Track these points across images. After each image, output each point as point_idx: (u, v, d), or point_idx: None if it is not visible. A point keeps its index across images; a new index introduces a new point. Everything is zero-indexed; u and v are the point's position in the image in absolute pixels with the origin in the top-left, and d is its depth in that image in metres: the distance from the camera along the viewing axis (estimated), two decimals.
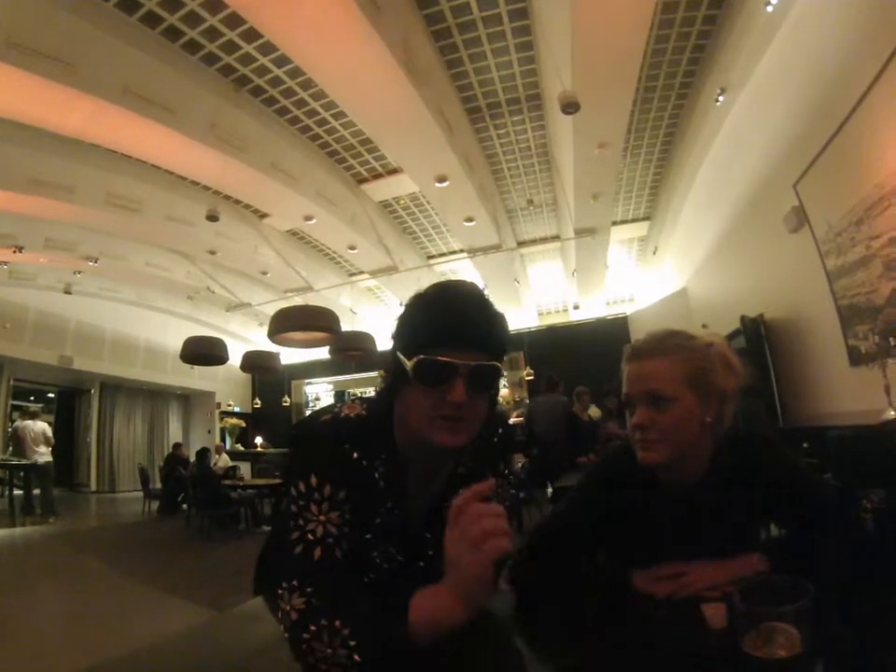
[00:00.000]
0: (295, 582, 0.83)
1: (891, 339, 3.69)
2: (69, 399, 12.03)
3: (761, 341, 5.65)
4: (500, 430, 1.07)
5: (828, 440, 3.76)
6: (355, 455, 0.92)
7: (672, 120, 6.02)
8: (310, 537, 0.86)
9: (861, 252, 3.98)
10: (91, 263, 7.81)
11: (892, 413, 3.26)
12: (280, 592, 0.83)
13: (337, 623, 0.76)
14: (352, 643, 0.73)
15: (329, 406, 1.01)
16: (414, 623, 0.72)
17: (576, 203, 6.89)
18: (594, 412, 6.98)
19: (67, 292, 8.96)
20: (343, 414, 0.96)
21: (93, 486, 11.42)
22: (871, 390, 3.47)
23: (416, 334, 0.89)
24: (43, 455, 7.70)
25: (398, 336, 0.93)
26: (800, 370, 5.26)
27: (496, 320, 0.92)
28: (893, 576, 0.86)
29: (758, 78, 4.66)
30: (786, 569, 0.80)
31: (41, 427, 7.77)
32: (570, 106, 4.55)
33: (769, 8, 3.81)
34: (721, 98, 4.91)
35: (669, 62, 5.12)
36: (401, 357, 0.89)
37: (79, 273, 8.33)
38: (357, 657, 0.72)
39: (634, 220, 8.38)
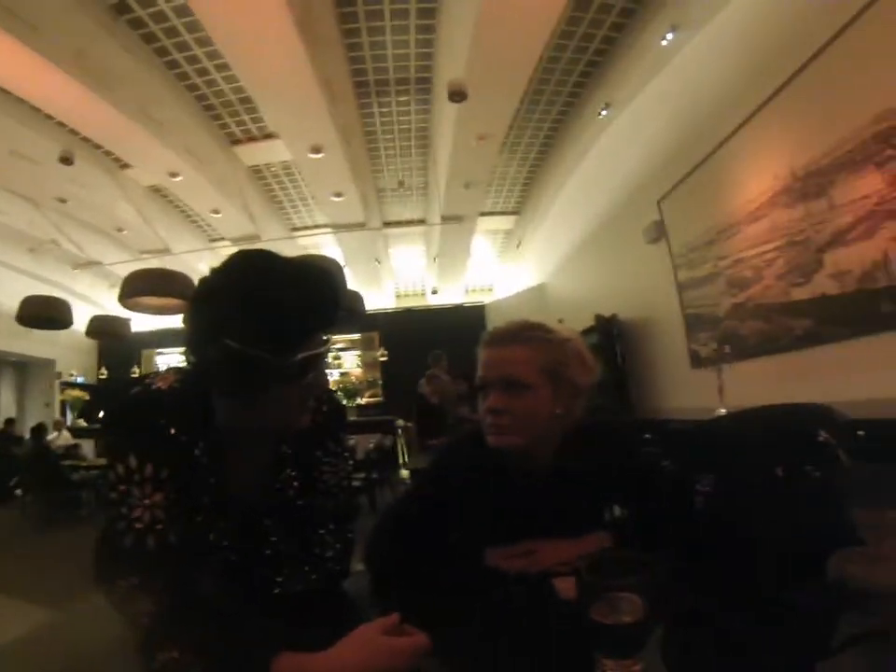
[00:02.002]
0: (135, 580, 0.75)
1: (726, 347, 4.25)
2: None
3: (613, 339, 6.18)
4: (325, 408, 1.02)
5: (667, 431, 4.26)
6: (172, 430, 0.83)
7: (555, 124, 6.28)
8: (138, 525, 0.78)
9: (709, 269, 4.51)
10: None
11: (723, 410, 3.77)
12: (123, 592, 0.75)
13: (188, 657, 0.68)
14: None
15: (140, 377, 0.92)
16: None
17: (447, 189, 6.94)
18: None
19: None
20: (154, 386, 0.87)
21: None
22: (707, 390, 3.94)
23: (267, 329, 0.78)
24: None
25: (224, 328, 0.77)
26: (648, 368, 5.87)
27: (343, 286, 0.93)
28: (719, 547, 0.98)
29: (641, 101, 5.04)
30: (630, 545, 0.95)
31: None
32: (458, 95, 4.57)
33: (664, 42, 4.14)
34: (604, 112, 5.24)
35: (562, 70, 5.32)
36: (235, 344, 0.76)
37: None
38: None
39: (502, 213, 8.66)
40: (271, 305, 0.79)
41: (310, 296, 0.82)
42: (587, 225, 6.93)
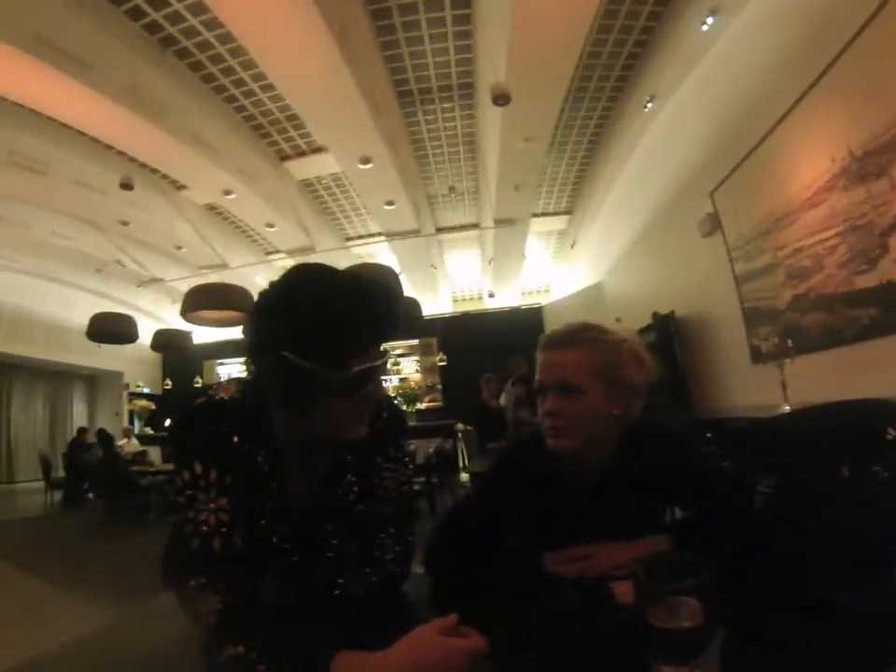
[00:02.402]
0: (203, 580, 0.79)
1: (789, 341, 4.04)
2: None
3: (670, 336, 5.99)
4: (385, 415, 1.04)
5: (727, 430, 4.09)
6: (234, 438, 0.87)
7: (600, 121, 6.19)
8: (204, 528, 0.82)
9: (767, 260, 4.30)
10: None
11: (787, 407, 3.58)
12: (191, 591, 0.79)
13: (253, 655, 0.71)
14: None
15: (203, 388, 0.98)
16: None
17: (498, 193, 6.95)
18: (505, 399, 7.07)
19: None
20: (217, 397, 0.91)
21: None
22: (769, 386, 3.75)
23: (325, 342, 0.81)
24: None
25: (290, 334, 0.81)
26: (706, 365, 5.65)
27: (398, 303, 0.95)
28: (779, 548, 0.95)
29: (686, 90, 4.89)
30: (688, 548, 0.88)
31: None
32: (502, 98, 4.56)
33: (704, 27, 4.01)
34: (649, 104, 5.11)
35: (603, 65, 5.25)
36: (295, 358, 0.79)
37: None
38: None
39: (555, 213, 8.59)
40: (325, 319, 0.81)
41: (364, 309, 0.83)
42: (640, 221, 6.76)
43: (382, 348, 0.87)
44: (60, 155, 5.71)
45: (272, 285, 0.88)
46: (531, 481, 1.12)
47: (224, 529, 0.83)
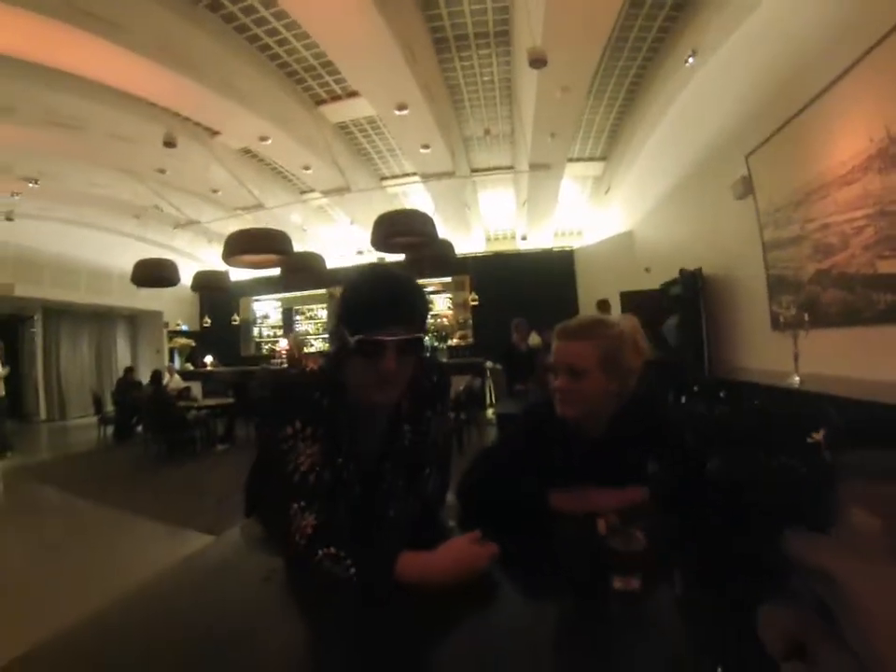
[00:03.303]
0: (302, 503, 1.08)
1: (805, 314, 4.12)
2: (10, 327, 11.03)
3: (697, 293, 6.06)
4: (436, 378, 1.36)
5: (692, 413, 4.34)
6: (323, 401, 1.18)
7: (640, 71, 5.97)
8: (303, 468, 1.11)
9: (796, 231, 4.31)
10: (30, 185, 7.16)
11: (797, 378, 3.73)
12: (293, 512, 1.07)
13: (342, 552, 1.00)
14: (352, 570, 0.98)
15: (302, 364, 1.30)
16: (402, 567, 0.97)
17: (533, 139, 6.84)
18: (534, 340, 7.24)
19: (9, 219, 8.17)
20: (308, 369, 1.25)
21: (43, 415, 10.92)
22: (785, 354, 3.89)
23: (355, 317, 1.13)
24: None
25: (340, 314, 1.16)
26: (729, 325, 5.75)
27: (417, 299, 1.20)
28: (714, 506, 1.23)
29: (729, 48, 4.70)
30: (659, 497, 1.28)
31: None
32: (538, 62, 4.49)
33: None
34: (690, 59, 4.93)
35: (645, 15, 5.03)
36: (345, 332, 1.13)
37: (17, 194, 7.61)
38: (353, 578, 0.97)
39: (590, 159, 8.39)
40: (355, 302, 1.14)
41: (381, 296, 1.12)
42: (675, 175, 6.64)
43: (409, 333, 1.13)
44: (95, 110, 5.83)
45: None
46: (544, 438, 1.45)
47: (317, 468, 1.12)
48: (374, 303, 1.12)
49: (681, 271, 6.23)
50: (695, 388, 5.21)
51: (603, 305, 7.24)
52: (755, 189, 4.84)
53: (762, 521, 1.02)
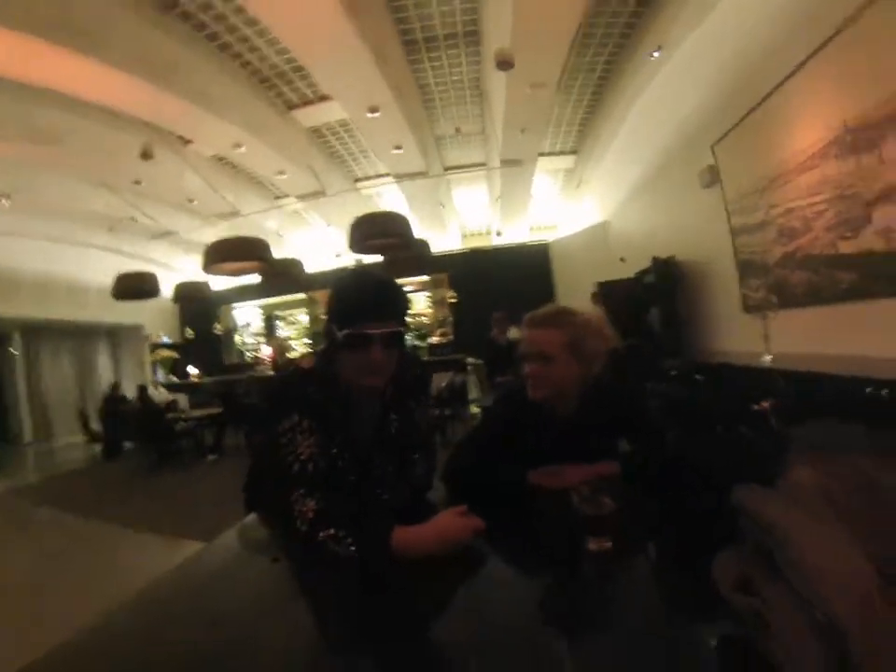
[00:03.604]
0: (302, 491, 1.18)
1: (773, 296, 4.30)
2: None
3: (670, 280, 6.23)
4: (418, 371, 1.51)
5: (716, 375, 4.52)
6: (317, 396, 1.29)
7: (607, 66, 6.08)
8: (302, 458, 1.22)
9: (761, 217, 4.49)
10: (3, 201, 7.07)
11: (768, 357, 3.90)
12: (295, 498, 1.17)
13: (341, 532, 1.10)
14: (352, 548, 1.08)
15: (295, 363, 1.48)
16: (396, 541, 1.07)
17: (504, 136, 6.94)
18: (514, 333, 7.31)
19: None
20: (301, 367, 1.40)
21: (29, 437, 10.69)
22: (757, 335, 4.07)
23: (343, 313, 1.28)
24: None
25: (330, 313, 1.31)
26: (702, 310, 5.93)
27: (397, 297, 1.35)
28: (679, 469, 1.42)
29: (693, 42, 4.83)
30: (628, 469, 1.43)
31: None
32: (505, 64, 4.62)
33: None
34: (656, 53, 5.08)
35: (611, 13, 5.14)
36: (335, 328, 1.27)
37: None
38: (353, 555, 1.07)
39: (561, 153, 8.50)
40: (341, 300, 1.30)
41: (364, 295, 1.28)
42: (645, 165, 6.81)
43: (390, 327, 1.27)
44: (71, 124, 5.79)
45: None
46: (519, 420, 1.58)
47: (314, 458, 1.23)
48: (359, 302, 1.27)
49: (654, 259, 6.40)
50: (672, 373, 5.39)
51: (595, 298, 7.35)
52: (721, 177, 5.01)
53: (713, 481, 1.15)
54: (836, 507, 0.73)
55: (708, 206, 5.28)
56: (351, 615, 0.96)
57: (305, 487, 1.18)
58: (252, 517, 1.54)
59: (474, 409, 8.32)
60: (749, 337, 4.39)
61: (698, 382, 4.95)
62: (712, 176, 5.11)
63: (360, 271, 1.39)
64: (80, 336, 12.05)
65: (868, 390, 2.62)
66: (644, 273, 6.72)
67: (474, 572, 1.09)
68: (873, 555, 0.63)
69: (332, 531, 1.11)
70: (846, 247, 3.55)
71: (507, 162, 7.81)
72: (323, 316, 9.51)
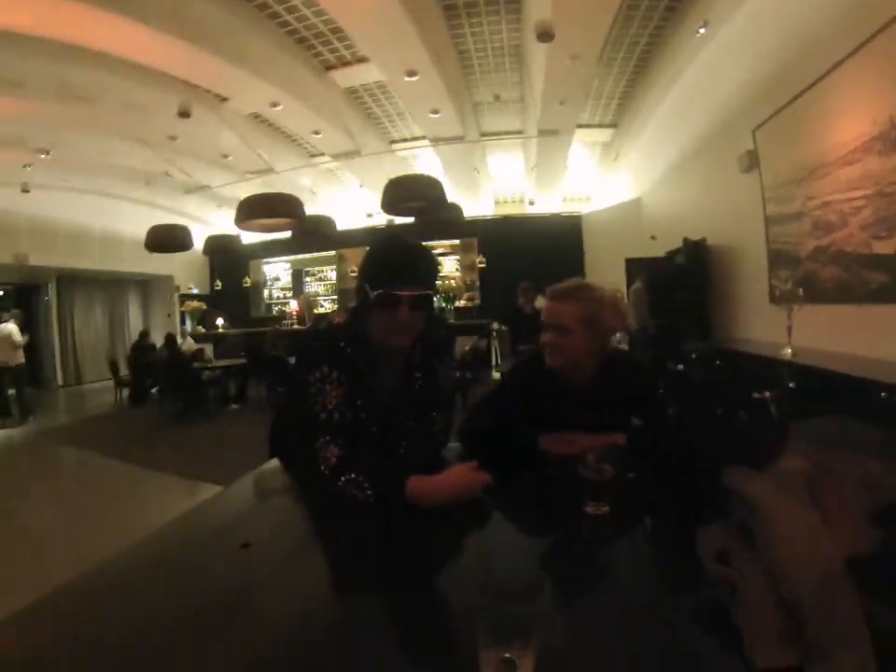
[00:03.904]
0: (328, 437, 1.28)
1: (800, 289, 4.24)
2: (25, 296, 11.20)
3: (700, 262, 6.15)
4: (443, 333, 1.58)
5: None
6: (347, 349, 1.37)
7: (650, 40, 5.88)
8: (329, 407, 1.32)
9: (797, 207, 4.40)
10: (42, 156, 7.24)
11: (789, 350, 3.88)
12: (320, 445, 1.27)
13: (361, 477, 1.20)
14: (369, 492, 1.18)
15: (328, 319, 1.64)
16: (410, 489, 1.16)
17: (542, 106, 6.81)
18: (540, 303, 7.32)
19: (25, 191, 8.25)
20: (335, 322, 1.47)
21: (60, 381, 11.22)
22: (781, 327, 4.03)
23: (375, 276, 1.33)
24: (14, 356, 7.54)
25: (363, 273, 1.37)
26: (730, 295, 5.88)
27: (427, 262, 1.40)
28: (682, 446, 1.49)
29: (741, 21, 4.65)
30: (634, 441, 1.51)
31: (8, 329, 7.43)
32: (546, 36, 4.52)
33: None
34: (702, 30, 4.90)
35: None
36: (367, 288, 1.33)
37: (29, 166, 7.70)
38: (371, 499, 1.18)
39: (599, 126, 8.30)
40: (373, 262, 1.37)
41: (395, 258, 1.35)
42: (683, 145, 6.64)
43: (419, 290, 1.33)
44: (107, 82, 5.86)
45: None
46: (535, 387, 1.68)
47: (341, 408, 1.32)
48: (391, 264, 1.34)
49: (685, 240, 6.31)
50: (693, 356, 5.40)
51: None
52: (760, 163, 4.89)
53: (707, 459, 1.22)
54: (815, 495, 0.80)
55: (745, 192, 5.17)
56: (365, 559, 1.05)
57: (331, 434, 1.29)
58: (270, 463, 1.65)
59: (496, 374, 8.43)
60: (774, 328, 4.37)
61: (717, 367, 4.95)
62: (751, 161, 4.99)
63: (393, 235, 1.52)
64: (113, 286, 12.50)
65: (883, 394, 2.64)
66: (674, 253, 6.65)
67: (481, 523, 1.19)
68: (842, 541, 0.71)
69: (353, 475, 1.21)
70: (879, 247, 3.48)
71: (544, 132, 7.66)
72: (352, 273, 9.84)
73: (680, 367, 5.18)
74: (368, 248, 1.42)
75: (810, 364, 3.41)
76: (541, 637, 0.60)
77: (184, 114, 5.84)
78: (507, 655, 0.59)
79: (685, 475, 1.27)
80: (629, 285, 7.88)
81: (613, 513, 1.10)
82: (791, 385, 3.36)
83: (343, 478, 1.21)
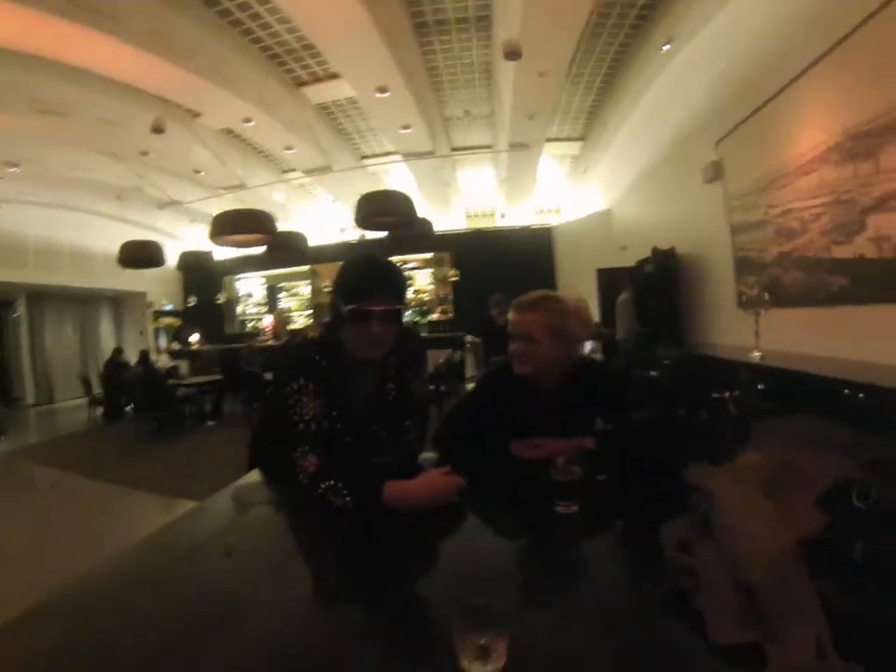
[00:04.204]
0: (306, 448, 1.33)
1: (766, 294, 4.38)
2: None
3: (669, 271, 6.31)
4: (415, 345, 1.65)
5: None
6: (323, 362, 1.43)
7: (617, 56, 6.08)
8: (306, 418, 1.37)
9: (760, 216, 4.57)
10: (10, 170, 7.13)
11: (758, 353, 4.00)
12: (298, 454, 1.32)
13: (339, 484, 1.25)
14: (348, 498, 1.23)
15: (303, 333, 1.62)
16: (387, 494, 1.21)
17: (512, 120, 6.94)
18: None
19: None
20: (310, 336, 1.58)
21: (31, 399, 10.92)
22: (749, 331, 4.15)
23: (348, 290, 1.41)
24: None
25: (337, 288, 1.44)
26: (699, 302, 6.04)
27: (398, 278, 1.48)
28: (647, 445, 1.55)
29: (705, 37, 4.81)
30: (602, 444, 1.56)
31: None
32: (513, 55, 4.65)
33: None
34: (666, 46, 5.08)
35: (623, 3, 5.15)
36: (341, 302, 1.40)
37: None
38: (350, 505, 1.22)
39: (568, 139, 8.50)
40: (347, 279, 1.44)
41: (367, 276, 1.43)
42: (650, 157, 6.84)
43: (390, 305, 1.41)
44: (81, 96, 5.82)
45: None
46: (505, 394, 1.74)
47: (319, 419, 1.38)
48: (363, 281, 1.41)
49: (654, 249, 6.47)
50: (666, 362, 5.52)
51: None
52: (725, 173, 5.07)
53: (672, 458, 1.29)
54: (771, 486, 0.86)
55: (710, 201, 5.35)
56: (347, 559, 1.09)
57: (309, 444, 1.34)
58: (249, 476, 1.67)
59: (470, 386, 8.44)
60: (743, 332, 4.48)
61: (689, 373, 5.07)
62: (716, 172, 5.17)
63: (365, 252, 1.53)
64: (84, 302, 12.17)
65: (846, 391, 2.75)
66: (644, 262, 6.80)
67: (455, 525, 1.23)
68: (794, 528, 0.77)
69: (332, 483, 1.25)
70: (839, 252, 3.63)
71: (514, 146, 7.81)
72: (326, 289, 9.77)
73: (653, 373, 5.29)
74: (342, 264, 1.49)
75: (776, 366, 3.54)
76: (514, 625, 0.65)
77: (158, 130, 5.81)
78: (482, 642, 0.65)
79: (651, 476, 1.33)
80: (601, 294, 8.05)
81: (582, 512, 1.16)
82: (760, 386, 3.48)
83: (322, 485, 1.26)
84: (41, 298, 11.16)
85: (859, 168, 3.36)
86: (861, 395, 2.66)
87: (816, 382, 3.02)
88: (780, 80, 3.99)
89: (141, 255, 6.41)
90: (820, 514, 0.83)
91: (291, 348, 1.54)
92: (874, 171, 3.24)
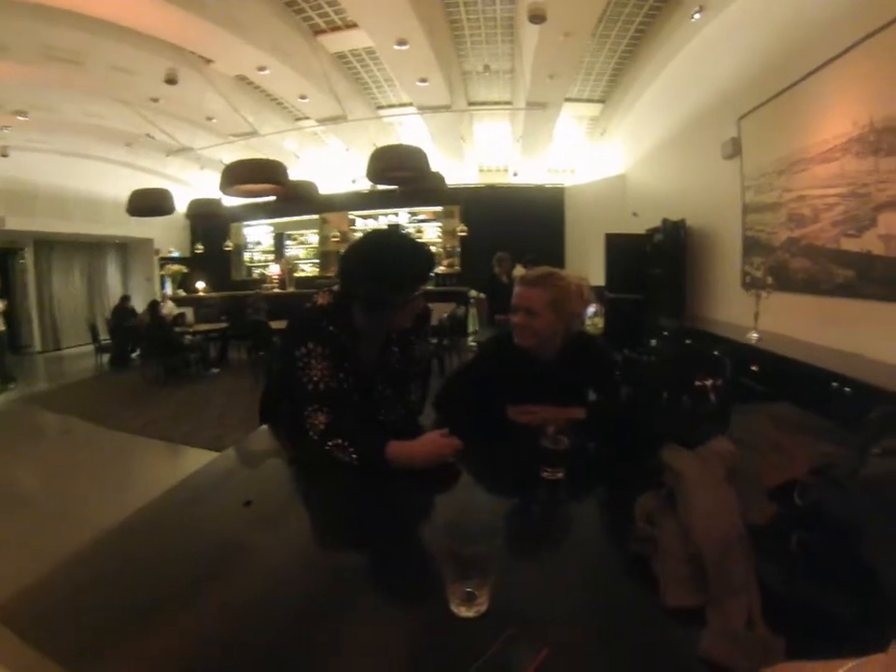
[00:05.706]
0: (316, 406, 1.43)
1: (769, 277, 4.44)
2: (1, 260, 10.84)
3: (678, 243, 6.31)
4: (419, 315, 1.70)
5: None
6: (330, 327, 1.51)
7: (645, 20, 5.89)
8: (315, 379, 1.45)
9: (774, 198, 4.56)
10: (19, 118, 7.01)
11: (755, 335, 4.09)
12: (308, 413, 1.42)
13: (346, 442, 1.35)
14: (353, 455, 1.34)
15: (313, 298, 1.64)
16: (389, 453, 1.32)
17: (532, 78, 6.79)
18: (519, 272, 7.39)
19: (3, 155, 7.98)
20: (319, 303, 1.57)
21: (38, 347, 11.03)
22: (750, 312, 4.23)
23: (372, 277, 1.45)
24: None
25: (356, 269, 1.50)
26: (704, 277, 6.07)
27: (426, 267, 1.56)
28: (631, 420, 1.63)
29: (736, 9, 4.68)
30: (592, 414, 1.67)
31: None
32: (537, 18, 4.53)
33: None
34: (697, 15, 4.94)
35: None
36: (357, 282, 1.48)
37: (6, 128, 7.45)
38: (355, 462, 1.34)
39: (588, 100, 8.29)
40: (398, 272, 1.47)
41: (415, 268, 1.50)
42: (669, 125, 6.71)
43: (424, 301, 1.56)
44: (93, 43, 5.70)
45: (365, 239, 1.57)
46: (505, 362, 1.87)
47: (326, 379, 1.46)
48: (389, 273, 1.46)
49: (664, 220, 6.45)
50: (665, 333, 5.61)
51: None
52: (743, 151, 5.03)
53: (650, 437, 1.35)
54: (731, 473, 0.98)
55: (725, 178, 5.31)
56: (352, 513, 1.22)
57: (317, 403, 1.43)
58: (261, 429, 1.80)
59: (471, 342, 8.53)
60: (744, 312, 4.56)
61: (686, 345, 5.16)
62: (734, 149, 5.12)
63: (393, 241, 1.58)
64: (91, 249, 12.16)
65: (834, 384, 2.86)
66: (654, 231, 6.79)
67: (451, 483, 1.34)
68: (743, 513, 0.88)
69: (339, 440, 1.36)
70: (848, 245, 3.65)
71: (532, 105, 7.65)
72: (334, 238, 9.68)
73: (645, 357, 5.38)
74: (361, 245, 1.54)
75: (770, 350, 3.63)
76: (497, 574, 0.79)
77: (171, 81, 5.71)
78: (468, 589, 0.77)
79: (632, 447, 1.42)
80: (608, 259, 8.04)
81: (568, 479, 1.27)
82: (753, 368, 3.60)
83: (329, 443, 1.38)
84: (49, 245, 11.15)
85: (880, 163, 3.31)
86: (847, 389, 2.77)
87: (807, 370, 3.13)
88: (811, 63, 3.87)
89: (151, 203, 6.38)
90: (769, 504, 0.95)
91: (301, 314, 1.60)
92: (893, 168, 3.23)
